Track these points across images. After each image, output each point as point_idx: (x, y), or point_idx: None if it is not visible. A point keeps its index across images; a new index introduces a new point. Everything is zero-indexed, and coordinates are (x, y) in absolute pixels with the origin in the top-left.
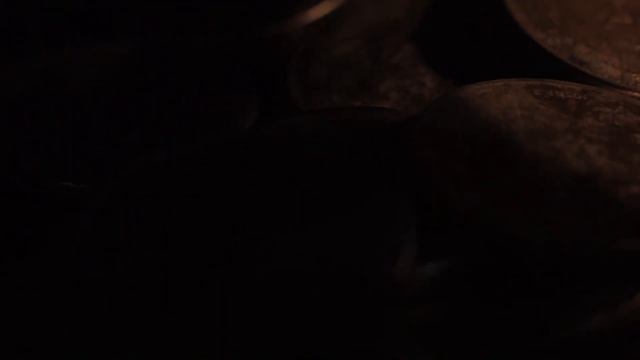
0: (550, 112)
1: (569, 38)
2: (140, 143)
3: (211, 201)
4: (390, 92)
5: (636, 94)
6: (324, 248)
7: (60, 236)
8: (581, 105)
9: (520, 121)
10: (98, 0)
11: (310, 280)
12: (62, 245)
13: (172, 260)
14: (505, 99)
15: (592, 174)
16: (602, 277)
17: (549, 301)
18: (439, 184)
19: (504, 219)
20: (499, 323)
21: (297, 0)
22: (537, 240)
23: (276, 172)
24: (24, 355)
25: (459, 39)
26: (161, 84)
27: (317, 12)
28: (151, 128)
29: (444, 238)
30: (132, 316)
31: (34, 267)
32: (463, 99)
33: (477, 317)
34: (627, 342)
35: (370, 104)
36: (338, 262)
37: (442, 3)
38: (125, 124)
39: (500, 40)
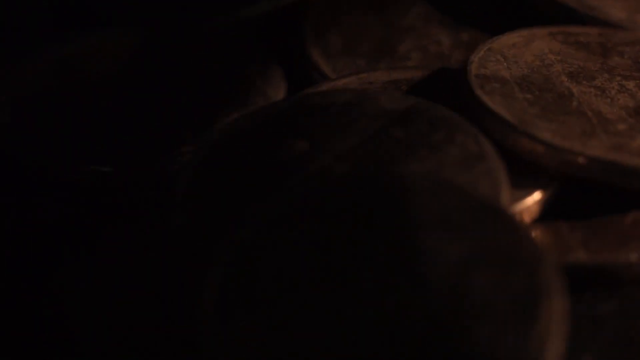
0: (579, 55)
1: None
2: (167, 127)
3: (304, 158)
4: (410, 53)
5: None
6: (434, 181)
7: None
8: (604, 46)
9: (557, 65)
10: None
11: (434, 210)
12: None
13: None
14: (535, 46)
15: None
16: None
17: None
18: (512, 123)
19: (581, 147)
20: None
21: None
22: (615, 164)
23: (354, 131)
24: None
25: None
26: (182, 68)
27: None
28: (177, 113)
29: (527, 171)
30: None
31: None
32: (497, 50)
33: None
34: None
35: (395, 65)
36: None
37: None
38: (151, 109)
39: None
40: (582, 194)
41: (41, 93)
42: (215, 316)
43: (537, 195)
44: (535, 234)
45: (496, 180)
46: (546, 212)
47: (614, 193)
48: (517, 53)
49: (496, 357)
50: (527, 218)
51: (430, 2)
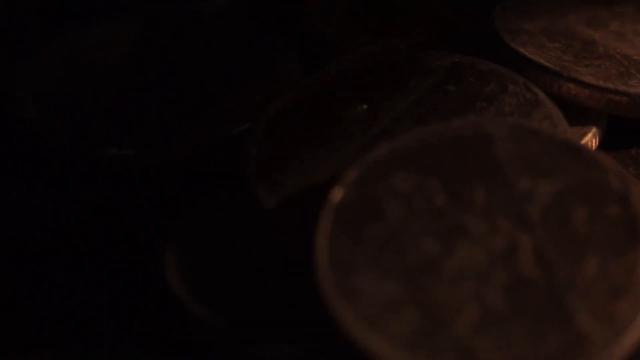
0: (587, 5)
1: None
2: (184, 111)
3: (367, 119)
4: (420, 20)
5: None
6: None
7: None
8: None
9: (571, 16)
10: None
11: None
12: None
13: None
14: (544, 1)
15: None
16: None
17: None
18: (556, 70)
19: (625, 86)
20: None
21: None
22: None
23: (409, 89)
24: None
25: None
26: (191, 53)
27: None
28: (194, 97)
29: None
30: None
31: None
32: (511, 7)
33: None
34: None
35: (409, 34)
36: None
37: None
38: (163, 94)
39: None
40: (623, 130)
41: (61, 85)
42: (331, 265)
43: (589, 134)
44: None
45: (555, 123)
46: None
47: None
48: (530, 8)
49: (607, 286)
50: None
51: None
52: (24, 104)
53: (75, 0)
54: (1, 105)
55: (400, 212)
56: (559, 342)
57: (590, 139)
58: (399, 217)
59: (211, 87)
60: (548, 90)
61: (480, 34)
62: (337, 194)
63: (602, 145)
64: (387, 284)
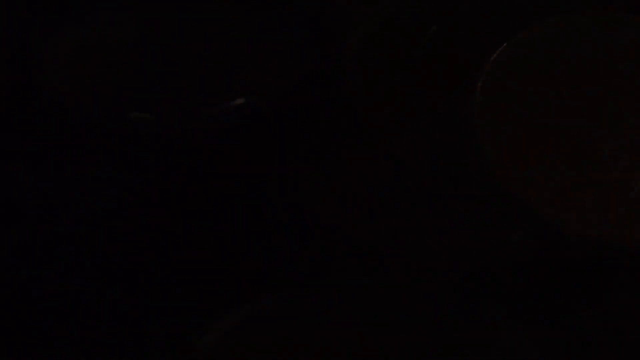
0: None
1: None
2: (201, 84)
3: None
4: None
5: None
6: None
7: None
8: None
9: None
10: None
11: None
12: None
13: None
14: None
15: None
16: None
17: None
18: None
19: None
20: None
21: None
22: None
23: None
24: None
25: None
26: (195, 25)
27: None
28: (208, 67)
29: None
30: None
31: None
32: None
33: None
34: None
35: None
36: None
37: None
38: (180, 65)
39: None
40: None
41: (83, 63)
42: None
43: None
44: None
45: None
46: None
47: None
48: None
49: None
50: None
51: None
52: (53, 79)
53: None
54: (32, 81)
55: (536, 106)
56: None
57: None
58: (536, 110)
59: (226, 57)
60: None
61: None
62: (478, 102)
63: None
64: (555, 169)
